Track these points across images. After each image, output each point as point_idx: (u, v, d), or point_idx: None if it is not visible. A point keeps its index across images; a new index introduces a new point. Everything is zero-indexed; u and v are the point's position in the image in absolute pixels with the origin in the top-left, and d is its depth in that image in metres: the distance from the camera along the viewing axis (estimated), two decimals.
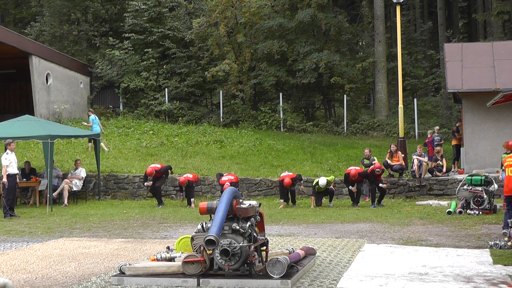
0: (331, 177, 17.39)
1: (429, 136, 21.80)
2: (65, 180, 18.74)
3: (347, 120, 28.91)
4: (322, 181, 16.54)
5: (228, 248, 7.65)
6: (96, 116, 23.76)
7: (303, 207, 17.25)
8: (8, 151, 15.90)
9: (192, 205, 17.21)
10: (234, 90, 30.13)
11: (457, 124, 21.93)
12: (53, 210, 16.44)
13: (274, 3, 31.31)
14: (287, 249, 9.03)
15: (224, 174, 17.57)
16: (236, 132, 27.01)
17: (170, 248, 8.91)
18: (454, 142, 21.46)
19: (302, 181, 17.83)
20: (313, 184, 17.20)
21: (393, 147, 19.51)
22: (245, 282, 7.59)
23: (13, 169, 15.81)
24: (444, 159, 19.67)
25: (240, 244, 7.71)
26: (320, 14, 29.42)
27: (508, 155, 16.77)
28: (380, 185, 16.94)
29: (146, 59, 31.42)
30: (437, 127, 22.31)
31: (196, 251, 7.97)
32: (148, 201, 18.98)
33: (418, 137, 26.09)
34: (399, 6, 21.42)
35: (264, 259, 8.17)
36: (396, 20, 22.77)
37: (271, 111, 29.62)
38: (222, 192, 10.68)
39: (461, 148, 21.20)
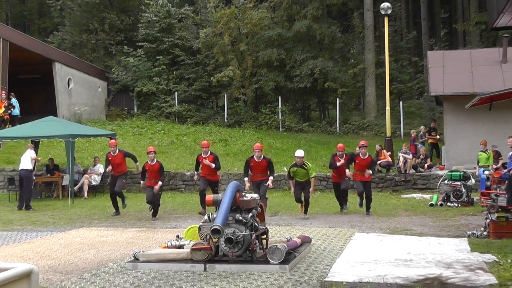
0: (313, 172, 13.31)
1: (412, 135, 21.81)
2: (85, 175, 18.81)
3: (340, 121, 28.89)
4: (298, 152, 13.18)
5: (232, 237, 7.69)
6: (16, 100, 23.47)
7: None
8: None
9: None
10: (237, 93, 30.13)
11: (432, 125, 21.88)
12: (74, 203, 16.48)
13: (274, 15, 31.38)
14: (285, 238, 9.08)
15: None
16: (239, 132, 27.02)
17: (180, 236, 8.94)
18: (430, 141, 21.44)
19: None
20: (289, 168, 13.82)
21: (377, 147, 19.54)
22: (247, 267, 7.65)
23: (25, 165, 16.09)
24: (428, 158, 19.76)
25: (243, 233, 7.76)
26: (315, 25, 29.43)
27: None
28: (367, 170, 13.52)
29: (157, 66, 31.44)
30: (423, 127, 22.29)
31: (203, 239, 8.01)
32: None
33: (403, 136, 26.07)
34: (386, 17, 21.41)
35: (264, 247, 8.23)
36: (384, 30, 22.74)
37: (271, 112, 29.63)
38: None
39: (442, 147, 21.21)
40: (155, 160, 13.98)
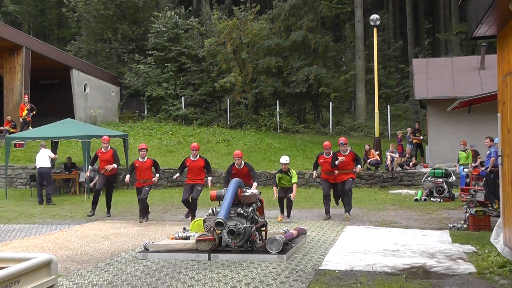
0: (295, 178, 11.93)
1: (399, 136, 21.80)
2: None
3: (332, 123, 28.88)
4: (283, 159, 11.85)
5: (234, 229, 7.70)
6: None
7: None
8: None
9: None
10: (239, 98, 30.14)
11: (416, 126, 21.87)
12: (90, 198, 16.46)
13: (272, 26, 31.35)
14: (282, 230, 9.08)
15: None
16: (240, 132, 27.01)
17: (186, 228, 8.95)
18: (414, 141, 21.43)
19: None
20: (274, 173, 13.13)
21: (367, 147, 19.54)
22: (248, 257, 7.65)
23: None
24: (413, 157, 19.77)
25: (244, 225, 7.76)
26: (310, 35, 29.48)
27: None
28: (358, 166, 12.17)
29: (166, 72, 31.45)
30: (410, 129, 22.27)
31: (208, 231, 8.01)
32: (167, 190, 18.95)
33: (390, 137, 26.07)
34: (375, 28, 21.40)
35: (264, 238, 8.23)
36: (373, 39, 22.74)
37: (270, 115, 29.62)
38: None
39: (426, 147, 21.20)
40: (146, 157, 12.37)
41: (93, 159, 13.57)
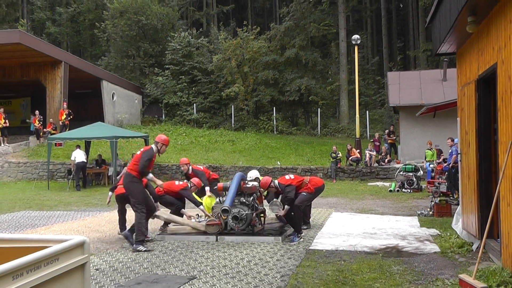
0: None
1: (376, 137, 21.78)
2: (125, 167, 18.74)
3: (320, 126, 28.86)
4: (251, 173, 8.74)
5: (237, 215, 7.70)
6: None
7: None
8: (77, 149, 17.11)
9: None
10: (242, 105, 30.11)
11: (390, 129, 21.86)
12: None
13: (270, 45, 31.36)
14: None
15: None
16: (243, 134, 27.00)
17: (199, 215, 8.93)
18: (389, 141, 21.44)
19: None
20: None
21: (348, 146, 19.54)
22: (249, 238, 7.64)
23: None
24: (388, 155, 19.77)
25: (246, 212, 7.76)
26: (301, 52, 29.50)
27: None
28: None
29: (180, 83, 31.39)
30: (387, 130, 22.24)
31: (215, 217, 8.01)
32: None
33: (369, 138, 26.04)
34: (356, 46, 21.39)
35: (262, 223, 8.22)
36: (354, 56, 22.75)
37: (267, 119, 29.58)
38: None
39: (398, 146, 21.20)
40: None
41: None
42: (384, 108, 31.90)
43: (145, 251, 6.99)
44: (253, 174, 8.73)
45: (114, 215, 10.97)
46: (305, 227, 8.40)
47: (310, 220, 9.09)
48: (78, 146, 17.55)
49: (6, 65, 24.69)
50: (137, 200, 7.33)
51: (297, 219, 7.77)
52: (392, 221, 9.41)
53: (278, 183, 7.96)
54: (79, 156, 17.09)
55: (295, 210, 7.74)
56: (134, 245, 7.11)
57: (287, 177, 8.10)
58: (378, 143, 20.91)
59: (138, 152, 7.49)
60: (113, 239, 8.15)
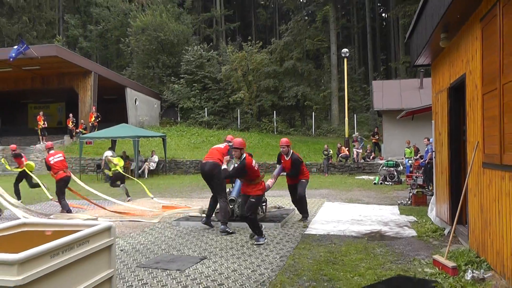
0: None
1: (354, 138, 21.68)
2: (146, 162, 18.85)
3: (314, 127, 28.85)
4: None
5: (234, 198, 7.65)
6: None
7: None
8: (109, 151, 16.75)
9: None
10: (246, 109, 30.13)
11: (375, 130, 21.82)
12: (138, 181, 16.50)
13: (271, 57, 31.36)
14: (277, 205, 9.06)
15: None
16: (247, 134, 27.00)
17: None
18: (373, 140, 21.41)
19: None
20: None
21: (338, 145, 19.52)
22: None
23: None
24: (373, 152, 19.73)
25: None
26: (298, 64, 29.54)
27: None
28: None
29: (193, 90, 31.44)
30: (373, 132, 22.17)
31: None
32: (194, 176, 18.75)
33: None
34: (345, 59, 21.38)
35: (264, 211, 8.21)
36: (343, 67, 22.70)
37: (269, 121, 29.59)
38: None
39: (382, 145, 21.17)
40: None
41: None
42: (369, 112, 31.81)
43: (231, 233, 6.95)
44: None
45: (137, 204, 11.01)
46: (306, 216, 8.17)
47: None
48: (110, 147, 17.44)
49: (45, 75, 24.85)
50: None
51: (305, 204, 8.10)
52: (376, 210, 9.40)
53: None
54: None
55: (303, 198, 7.99)
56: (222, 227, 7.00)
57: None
58: (355, 141, 20.83)
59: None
60: (136, 224, 8.18)
